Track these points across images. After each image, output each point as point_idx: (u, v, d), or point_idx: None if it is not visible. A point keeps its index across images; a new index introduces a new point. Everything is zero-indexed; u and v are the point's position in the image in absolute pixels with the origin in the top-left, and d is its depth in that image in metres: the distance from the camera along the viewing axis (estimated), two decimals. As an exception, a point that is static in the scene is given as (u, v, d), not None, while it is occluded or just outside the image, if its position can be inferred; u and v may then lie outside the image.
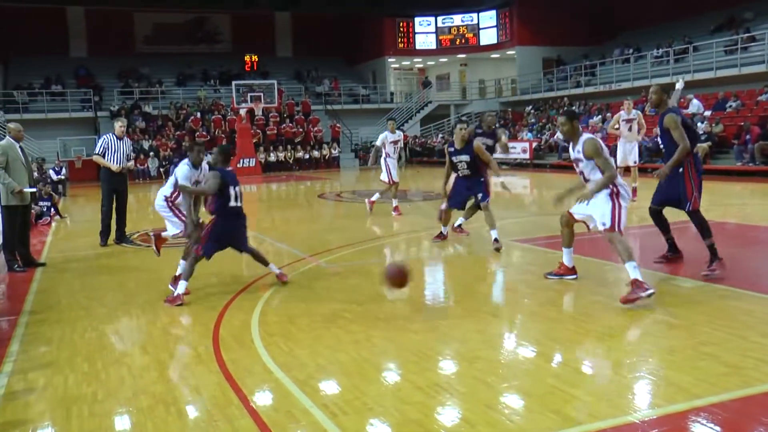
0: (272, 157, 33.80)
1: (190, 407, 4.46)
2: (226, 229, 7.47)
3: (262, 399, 4.52)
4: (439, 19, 41.40)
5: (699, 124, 23.09)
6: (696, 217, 7.40)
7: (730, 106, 24.17)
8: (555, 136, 29.58)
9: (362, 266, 8.96)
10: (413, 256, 9.66)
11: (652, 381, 4.63)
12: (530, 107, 36.12)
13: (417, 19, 41.65)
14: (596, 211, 6.67)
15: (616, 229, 6.54)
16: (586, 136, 6.81)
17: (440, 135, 38.54)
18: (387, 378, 4.87)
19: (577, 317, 6.15)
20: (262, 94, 33.47)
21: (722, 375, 4.57)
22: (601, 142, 6.81)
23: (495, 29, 40.36)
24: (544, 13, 37.32)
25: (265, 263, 7.86)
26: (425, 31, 41.83)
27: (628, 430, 3.86)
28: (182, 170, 7.90)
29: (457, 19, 41.20)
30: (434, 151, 36.37)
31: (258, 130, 34.14)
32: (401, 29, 41.92)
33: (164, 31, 41.99)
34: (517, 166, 29.82)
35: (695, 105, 24.83)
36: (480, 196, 9.98)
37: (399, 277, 6.32)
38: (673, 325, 5.85)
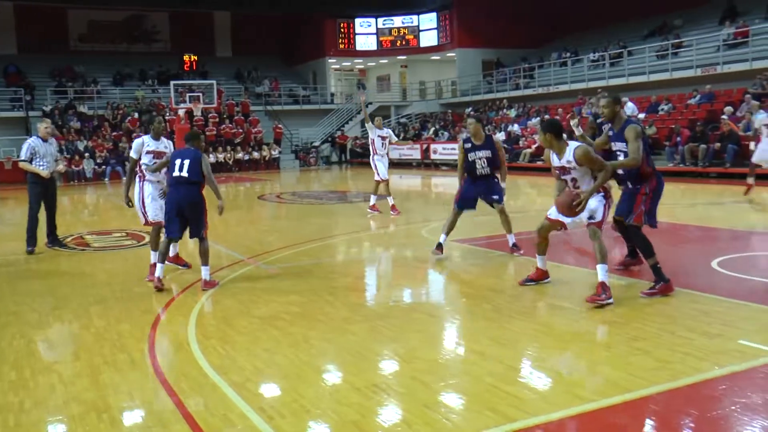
0: (211, 158, 33.26)
1: (123, 414, 4.36)
2: (170, 198, 7.73)
3: (198, 403, 4.44)
4: (380, 20, 41.48)
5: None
6: (636, 235, 6.98)
7: (662, 109, 24.85)
8: (494, 137, 29.91)
9: (301, 267, 8.90)
10: (353, 257, 9.66)
11: (587, 377, 4.73)
12: (470, 108, 36.48)
13: (357, 20, 41.64)
14: (585, 212, 6.63)
15: (602, 225, 6.62)
16: (574, 144, 6.66)
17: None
18: (325, 380, 4.84)
19: (515, 316, 6.22)
20: (201, 95, 33.04)
21: (652, 369, 4.69)
22: (590, 148, 6.67)
23: (435, 31, 40.67)
24: (484, 15, 37.75)
25: (203, 263, 7.71)
26: (366, 32, 41.86)
27: (562, 425, 3.92)
28: (136, 142, 8.48)
29: (397, 21, 41.37)
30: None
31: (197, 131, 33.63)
32: (342, 30, 41.85)
33: (100, 28, 41.03)
34: (456, 166, 30.04)
35: (630, 107, 25.42)
36: (496, 197, 9.18)
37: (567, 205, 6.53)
38: (609, 322, 5.98)
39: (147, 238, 11.26)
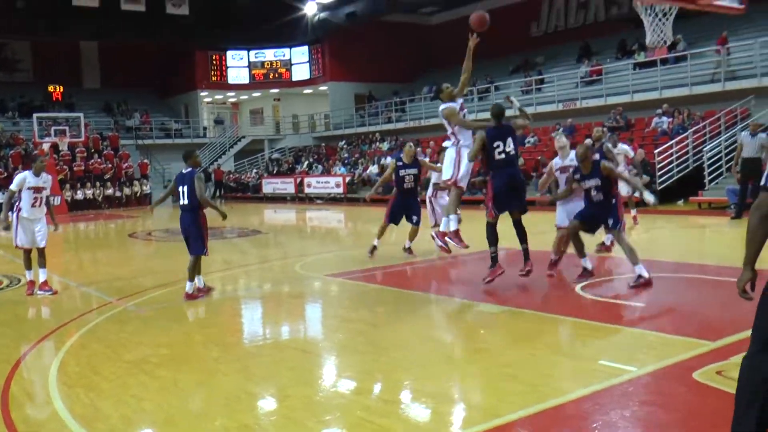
0: (79, 195, 31.93)
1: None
2: (180, 222, 8.83)
3: (59, 457, 4.22)
4: (252, 53, 41.33)
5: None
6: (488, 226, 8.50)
7: (529, 142, 25.99)
8: (368, 170, 30.32)
9: (172, 308, 8.63)
10: (227, 295, 9.46)
11: (457, 404, 4.84)
12: (343, 142, 36.84)
13: (229, 53, 41.31)
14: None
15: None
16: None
17: (254, 170, 38.28)
18: (195, 424, 4.69)
19: (388, 348, 6.28)
20: (67, 128, 31.65)
21: (521, 393, 4.84)
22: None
23: (307, 65, 40.95)
24: (355, 50, 38.38)
25: (189, 278, 8.69)
26: (238, 65, 41.58)
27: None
28: (18, 177, 9.48)
29: (269, 54, 41.35)
30: (248, 187, 36.04)
31: (64, 166, 32.14)
32: (214, 62, 41.40)
33: (-47, 56, 38.60)
34: (331, 200, 30.22)
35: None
36: (415, 218, 11.12)
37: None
38: (479, 349, 6.15)
39: (4, 283, 10.72)
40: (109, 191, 32.90)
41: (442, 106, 8.93)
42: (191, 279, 8.74)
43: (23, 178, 9.46)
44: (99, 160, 33.83)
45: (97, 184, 32.71)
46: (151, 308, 8.64)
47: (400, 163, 11.09)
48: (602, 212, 8.43)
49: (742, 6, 7.08)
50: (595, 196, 8.44)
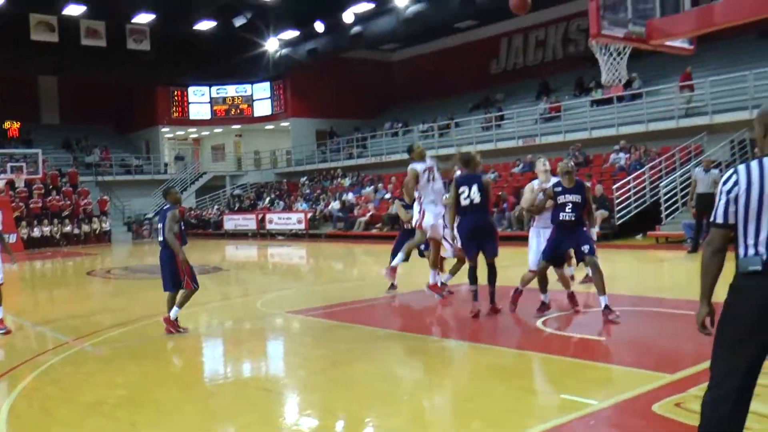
0: (36, 232, 31.30)
1: None
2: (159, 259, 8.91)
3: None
4: (213, 89, 41.29)
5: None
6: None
7: (489, 178, 26.24)
8: (329, 206, 30.30)
9: (131, 347, 8.48)
10: (188, 334, 9.32)
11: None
12: (305, 178, 36.82)
13: (191, 89, 41.21)
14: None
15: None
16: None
17: (216, 206, 38.02)
18: (153, 466, 4.61)
19: (350, 385, 6.23)
20: (24, 164, 31.15)
21: (482, 428, 4.85)
22: None
23: (269, 101, 41.04)
24: (316, 86, 38.62)
25: (170, 307, 8.79)
26: (199, 101, 41.48)
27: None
28: None
29: (231, 90, 41.36)
30: (210, 223, 35.74)
31: (20, 203, 31.55)
32: (175, 98, 41.23)
33: None
34: (293, 236, 30.11)
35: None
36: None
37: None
38: (441, 385, 6.14)
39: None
40: (68, 228, 32.29)
41: (409, 166, 9.64)
42: (177, 306, 8.86)
43: None
44: (57, 196, 33.28)
45: (55, 221, 32.09)
46: (109, 348, 8.47)
47: (402, 203, 11.55)
48: (570, 237, 8.30)
49: (692, 47, 7.31)
50: (568, 214, 8.20)
